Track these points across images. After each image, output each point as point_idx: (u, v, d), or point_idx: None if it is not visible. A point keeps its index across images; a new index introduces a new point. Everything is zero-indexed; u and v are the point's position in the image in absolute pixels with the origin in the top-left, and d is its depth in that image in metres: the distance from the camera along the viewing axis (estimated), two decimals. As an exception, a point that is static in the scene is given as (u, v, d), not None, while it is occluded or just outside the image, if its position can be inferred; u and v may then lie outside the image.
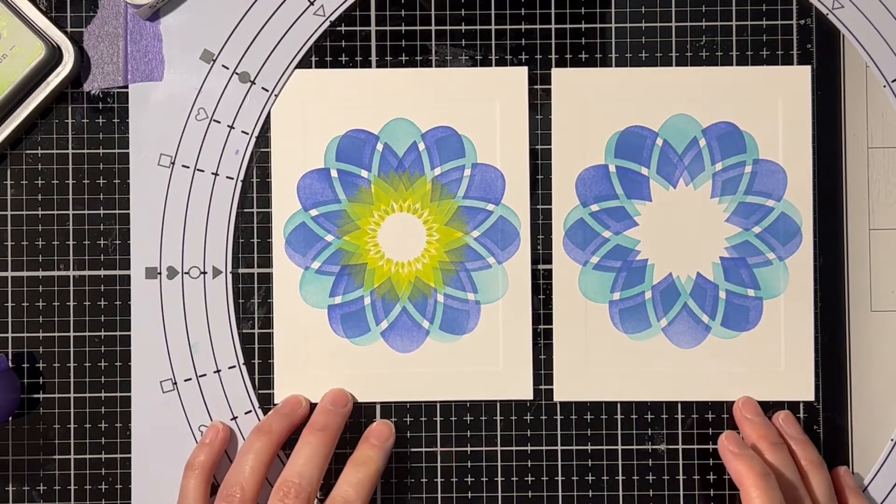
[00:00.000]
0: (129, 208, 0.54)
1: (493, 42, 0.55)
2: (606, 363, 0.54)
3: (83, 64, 0.54)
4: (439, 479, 0.54)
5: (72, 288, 0.54)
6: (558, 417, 0.54)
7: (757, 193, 0.54)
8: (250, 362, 0.54)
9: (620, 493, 0.54)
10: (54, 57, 0.53)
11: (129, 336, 0.54)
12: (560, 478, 0.54)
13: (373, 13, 0.55)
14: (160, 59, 0.54)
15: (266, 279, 0.54)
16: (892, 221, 0.55)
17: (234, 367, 0.54)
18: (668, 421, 0.54)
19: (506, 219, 0.54)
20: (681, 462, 0.54)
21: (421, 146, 0.54)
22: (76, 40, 0.54)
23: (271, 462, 0.51)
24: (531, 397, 0.54)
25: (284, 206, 0.54)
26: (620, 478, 0.54)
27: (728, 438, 0.52)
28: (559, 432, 0.54)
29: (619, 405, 0.54)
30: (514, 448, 0.54)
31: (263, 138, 0.55)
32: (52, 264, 0.54)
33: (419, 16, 0.55)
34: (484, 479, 0.54)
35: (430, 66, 0.55)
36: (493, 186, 0.54)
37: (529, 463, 0.54)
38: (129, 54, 0.54)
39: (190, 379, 0.54)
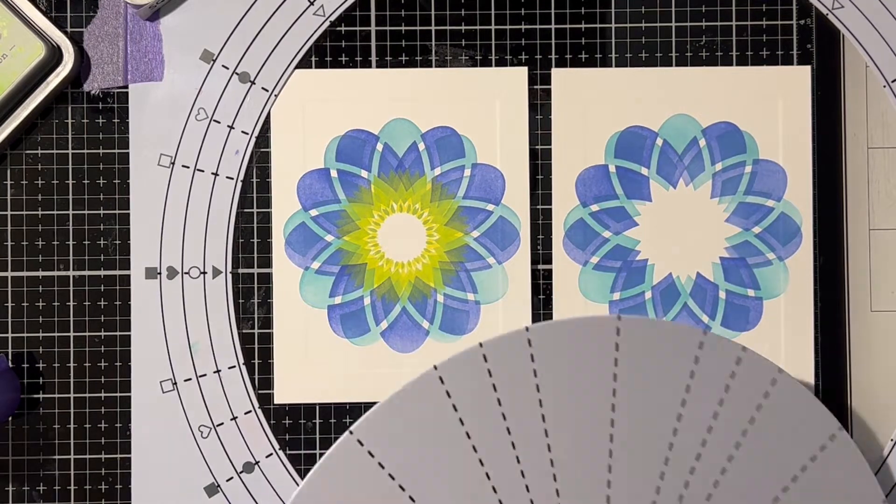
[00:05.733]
0: (128, 208, 0.54)
1: (493, 42, 0.55)
2: (606, 363, 0.54)
3: (83, 64, 0.54)
4: (439, 480, 0.54)
5: (72, 288, 0.54)
6: (558, 417, 0.54)
7: (757, 193, 0.54)
8: (250, 362, 0.54)
9: (620, 493, 0.54)
10: (54, 57, 0.53)
11: (129, 336, 0.54)
12: (560, 478, 0.54)
13: (373, 13, 0.55)
14: (160, 59, 0.54)
15: (266, 279, 0.54)
16: (892, 221, 0.55)
17: (234, 367, 0.54)
18: (668, 421, 0.54)
19: (506, 219, 0.54)
20: (681, 462, 0.54)
21: (421, 146, 0.54)
22: (76, 40, 0.54)
23: None
24: (531, 397, 0.54)
25: (284, 206, 0.54)
26: (620, 478, 0.54)
27: None
28: (559, 432, 0.54)
29: (619, 405, 0.54)
30: (514, 448, 0.54)
31: (263, 138, 0.55)
32: (52, 264, 0.54)
33: (419, 16, 0.55)
34: (484, 479, 0.54)
35: (430, 66, 0.55)
36: (493, 186, 0.54)
37: (529, 463, 0.54)
38: (129, 54, 0.54)
39: (190, 379, 0.54)
